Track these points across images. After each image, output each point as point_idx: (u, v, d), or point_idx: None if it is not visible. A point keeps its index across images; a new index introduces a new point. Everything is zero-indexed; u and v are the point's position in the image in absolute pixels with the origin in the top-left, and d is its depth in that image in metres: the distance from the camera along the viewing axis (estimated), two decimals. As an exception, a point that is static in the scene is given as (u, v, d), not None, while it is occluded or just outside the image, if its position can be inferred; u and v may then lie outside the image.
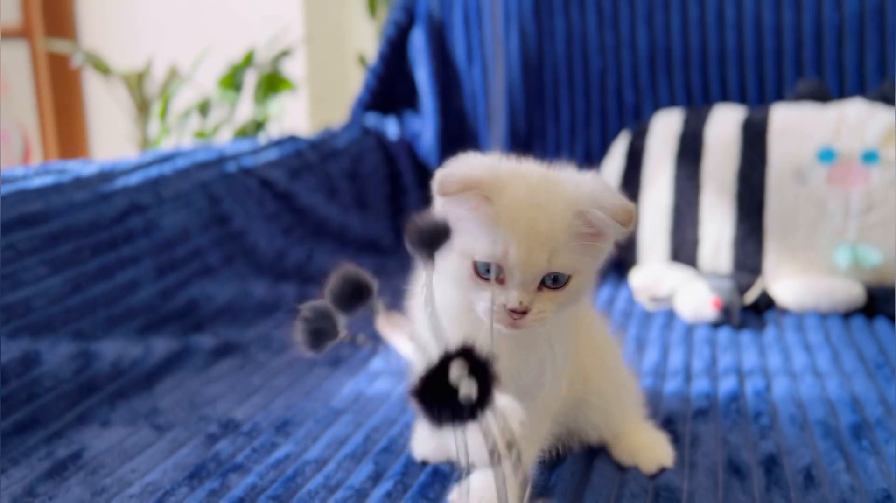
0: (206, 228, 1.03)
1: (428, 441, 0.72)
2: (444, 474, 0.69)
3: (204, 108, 1.50)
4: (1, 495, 0.64)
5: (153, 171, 0.98)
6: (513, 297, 0.54)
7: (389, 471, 0.69)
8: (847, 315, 1.11)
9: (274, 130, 1.68)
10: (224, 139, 1.64)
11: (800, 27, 1.28)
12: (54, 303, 0.82)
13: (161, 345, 0.91)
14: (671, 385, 0.88)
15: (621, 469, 0.70)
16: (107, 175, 0.92)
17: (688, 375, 0.91)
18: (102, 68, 1.42)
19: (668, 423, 0.78)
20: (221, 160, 1.11)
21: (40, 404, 0.76)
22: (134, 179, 0.95)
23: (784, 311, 1.13)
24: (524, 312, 0.54)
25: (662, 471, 0.69)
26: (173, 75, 1.47)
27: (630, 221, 0.54)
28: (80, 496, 0.65)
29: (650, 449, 0.71)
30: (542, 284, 0.55)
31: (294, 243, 1.18)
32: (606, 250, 0.58)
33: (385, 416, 0.80)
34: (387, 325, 0.97)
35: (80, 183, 0.88)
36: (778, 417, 0.80)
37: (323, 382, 0.89)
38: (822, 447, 0.74)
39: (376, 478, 0.68)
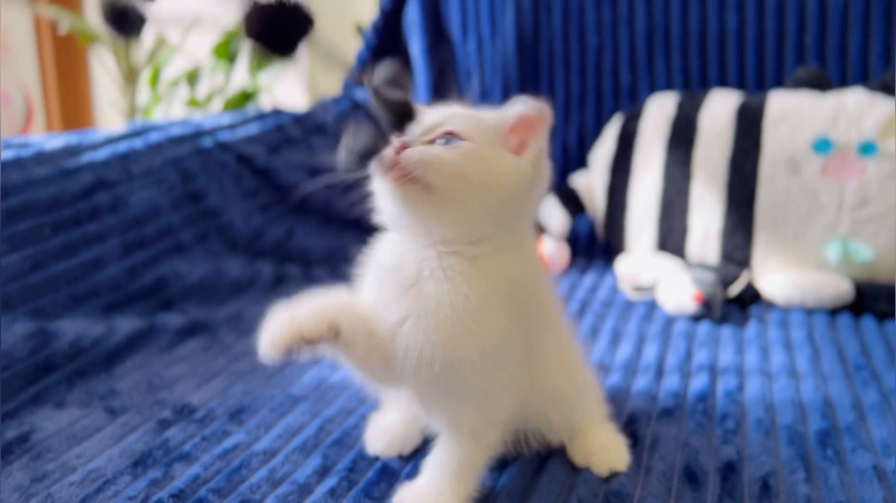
0: (177, 205, 1.01)
1: (382, 436, 0.71)
2: (393, 471, 0.67)
3: (192, 78, 1.48)
4: (-59, 478, 0.64)
5: (122, 147, 0.96)
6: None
7: (337, 467, 0.68)
8: (834, 311, 1.08)
9: (266, 101, 1.66)
10: (216, 108, 1.62)
11: (803, 9, 1.23)
12: (12, 281, 0.81)
13: (125, 325, 0.90)
14: (641, 382, 0.86)
15: (573, 471, 0.68)
16: (72, 150, 0.91)
17: (659, 371, 0.89)
18: (87, 37, 1.40)
19: (631, 423, 0.76)
20: (197, 135, 1.09)
21: (-7, 383, 0.75)
22: (101, 155, 0.93)
23: (769, 306, 1.10)
24: (404, 144, 0.54)
25: (615, 474, 0.67)
26: (161, 44, 1.45)
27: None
28: (20, 482, 0.64)
29: (605, 451, 0.69)
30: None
31: (272, 221, 1.16)
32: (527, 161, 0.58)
33: (343, 406, 0.79)
34: None
35: (42, 158, 0.87)
36: (745, 420, 0.78)
37: (286, 367, 0.88)
38: (785, 455, 0.71)
39: (323, 472, 0.67)
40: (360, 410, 0.78)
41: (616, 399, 0.81)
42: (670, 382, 0.86)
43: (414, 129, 0.57)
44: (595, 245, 1.34)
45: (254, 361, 0.90)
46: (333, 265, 1.22)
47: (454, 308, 0.56)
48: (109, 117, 2.15)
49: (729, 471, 0.68)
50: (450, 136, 0.56)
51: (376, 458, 0.69)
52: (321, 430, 0.74)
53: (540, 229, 1.28)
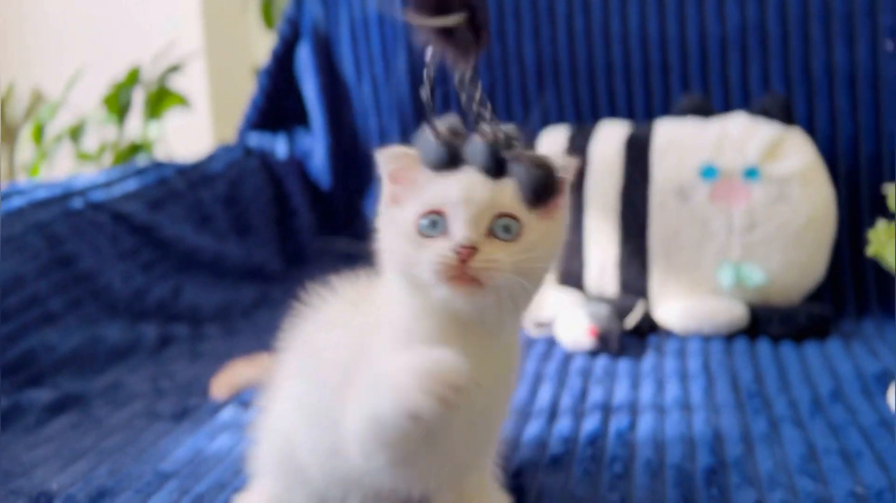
0: (44, 273, 0.96)
1: None
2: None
3: (75, 133, 1.42)
4: None
5: (-22, 215, 0.91)
6: (459, 235, 0.50)
7: (203, 552, 0.64)
8: (731, 337, 1.08)
9: (162, 153, 1.61)
10: (108, 162, 1.57)
11: (684, 40, 1.25)
12: None
13: (-15, 407, 0.84)
14: (533, 427, 0.84)
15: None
16: (-82, 223, 0.85)
17: (552, 414, 0.87)
18: (-46, 95, 1.34)
19: (518, 475, 0.74)
20: (66, 196, 1.03)
21: None
22: (-47, 225, 0.88)
23: (668, 335, 1.10)
24: (472, 250, 0.49)
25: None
26: (38, 99, 1.39)
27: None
28: None
29: None
30: (492, 235, 0.51)
31: (156, 279, 1.11)
32: (560, 221, 0.55)
33: (216, 481, 0.75)
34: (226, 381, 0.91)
35: None
36: (633, 463, 0.76)
37: (160, 440, 0.83)
38: (671, 497, 0.70)
39: (186, 560, 0.63)
40: (234, 484, 0.73)
41: (508, 447, 0.79)
42: (562, 426, 0.84)
43: (460, 210, 0.51)
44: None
45: (127, 436, 0.85)
46: (227, 321, 1.17)
47: (498, 381, 0.56)
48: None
49: (612, 520, 0.67)
50: (507, 220, 0.51)
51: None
52: (189, 511, 0.70)
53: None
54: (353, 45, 1.43)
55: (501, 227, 0.51)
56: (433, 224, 0.51)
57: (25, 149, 1.50)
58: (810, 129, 1.20)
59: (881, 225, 0.82)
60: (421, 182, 0.53)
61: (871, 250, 0.83)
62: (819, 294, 1.17)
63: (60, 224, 0.99)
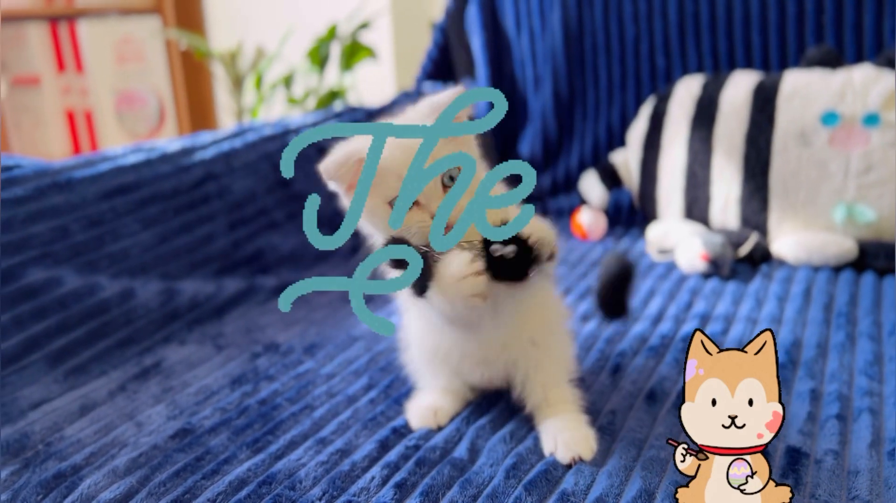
0: (271, 191, 1.26)
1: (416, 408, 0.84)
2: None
3: (288, 81, 1.74)
4: (102, 389, 0.91)
5: (226, 146, 1.22)
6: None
7: (379, 385, 0.90)
8: (839, 269, 1.19)
9: (353, 98, 1.90)
10: (311, 105, 1.88)
11: (820, -8, 1.33)
12: (146, 252, 1.08)
13: (231, 285, 1.16)
14: (639, 327, 1.03)
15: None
16: (187, 150, 1.17)
17: (657, 318, 1.06)
18: (200, 53, 1.68)
19: (620, 356, 0.94)
20: (285, 133, 1.33)
21: (135, 327, 1.02)
22: (209, 153, 1.19)
23: (780, 264, 1.23)
24: None
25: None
26: (260, 54, 1.71)
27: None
28: (155, 392, 0.90)
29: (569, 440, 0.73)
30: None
31: (349, 201, 1.40)
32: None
33: (390, 343, 1.01)
34: None
35: (165, 158, 1.13)
36: (716, 356, 0.94)
37: (351, 315, 1.11)
38: (740, 381, 0.87)
39: (368, 388, 0.89)
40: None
41: (612, 340, 0.99)
42: (664, 327, 1.02)
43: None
44: (635, 216, 1.49)
45: (328, 312, 1.14)
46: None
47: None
48: (228, 117, 2.47)
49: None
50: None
51: (407, 380, 0.91)
52: (371, 361, 0.96)
53: (581, 201, 1.45)
54: (514, 3, 1.62)
55: (448, 178, 0.68)
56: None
57: (249, 94, 1.84)
58: (941, 79, 1.25)
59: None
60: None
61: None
62: (936, 234, 1.24)
63: (281, 154, 1.29)
